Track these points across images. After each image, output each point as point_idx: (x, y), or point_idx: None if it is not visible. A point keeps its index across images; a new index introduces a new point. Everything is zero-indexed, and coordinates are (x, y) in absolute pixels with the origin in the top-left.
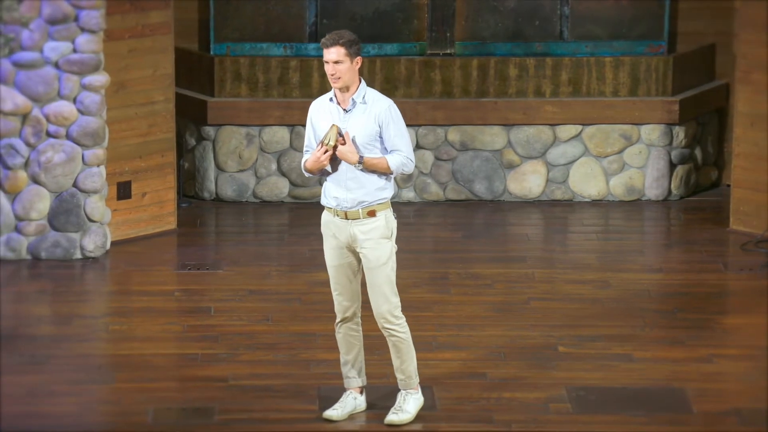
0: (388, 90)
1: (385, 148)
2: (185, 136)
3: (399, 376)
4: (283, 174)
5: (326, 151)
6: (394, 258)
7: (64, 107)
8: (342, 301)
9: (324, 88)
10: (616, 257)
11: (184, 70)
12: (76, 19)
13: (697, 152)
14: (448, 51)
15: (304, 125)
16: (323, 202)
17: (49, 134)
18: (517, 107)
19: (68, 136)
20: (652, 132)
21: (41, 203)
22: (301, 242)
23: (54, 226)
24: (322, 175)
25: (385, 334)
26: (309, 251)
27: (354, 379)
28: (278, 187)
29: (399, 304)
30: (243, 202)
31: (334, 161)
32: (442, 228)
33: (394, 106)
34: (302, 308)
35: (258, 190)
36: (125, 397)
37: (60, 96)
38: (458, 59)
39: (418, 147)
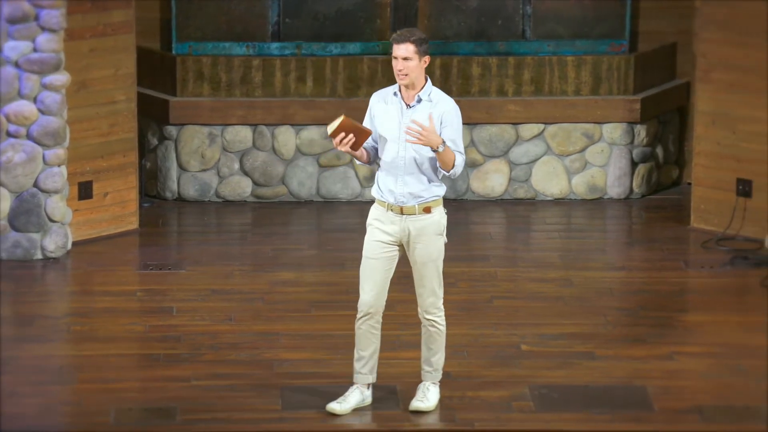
0: (351, 89)
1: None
2: (147, 135)
3: (426, 368)
4: (246, 173)
5: (337, 138)
6: (443, 252)
7: (24, 107)
8: (371, 298)
9: (287, 87)
10: (579, 256)
11: (146, 70)
12: (37, 18)
13: (659, 151)
14: None
15: (266, 124)
16: (376, 195)
17: (9, 134)
18: (480, 106)
19: (29, 136)
20: (613, 131)
21: (1, 203)
22: (264, 242)
23: (14, 226)
24: (369, 163)
25: (426, 324)
26: (272, 251)
27: (365, 375)
28: (241, 187)
29: (442, 296)
30: (205, 202)
31: (395, 150)
32: None
33: (458, 108)
34: (265, 308)
35: (220, 190)
36: (87, 398)
37: (20, 95)
38: None
39: None
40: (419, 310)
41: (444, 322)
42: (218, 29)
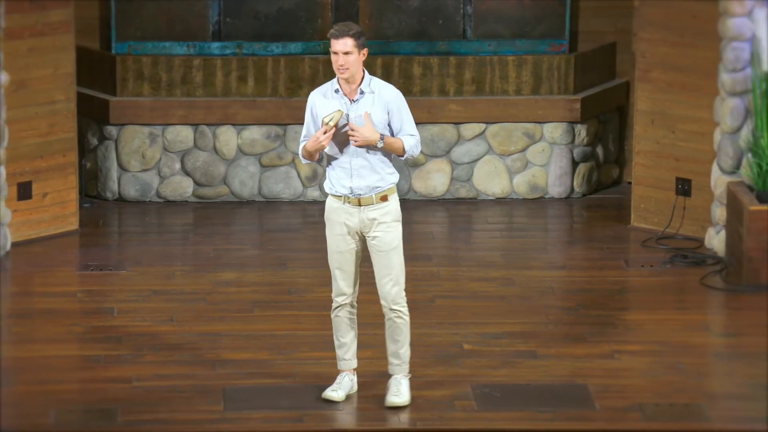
0: (292, 89)
1: (391, 136)
2: (87, 135)
3: (394, 361)
4: (187, 173)
5: (326, 132)
6: (401, 240)
7: None
8: (344, 287)
9: (228, 86)
10: (520, 255)
11: (86, 69)
12: None
13: (599, 150)
14: None
15: (207, 124)
16: (330, 190)
17: None
18: (422, 106)
19: None
20: (554, 130)
21: None
22: (205, 242)
23: None
24: (319, 161)
25: (391, 315)
26: (214, 251)
27: (350, 361)
28: (182, 187)
29: (404, 285)
30: (146, 202)
31: (342, 145)
32: None
33: (400, 93)
34: (207, 308)
35: (161, 190)
36: (27, 400)
37: None
38: None
39: None
40: (383, 302)
41: (408, 312)
42: (158, 29)
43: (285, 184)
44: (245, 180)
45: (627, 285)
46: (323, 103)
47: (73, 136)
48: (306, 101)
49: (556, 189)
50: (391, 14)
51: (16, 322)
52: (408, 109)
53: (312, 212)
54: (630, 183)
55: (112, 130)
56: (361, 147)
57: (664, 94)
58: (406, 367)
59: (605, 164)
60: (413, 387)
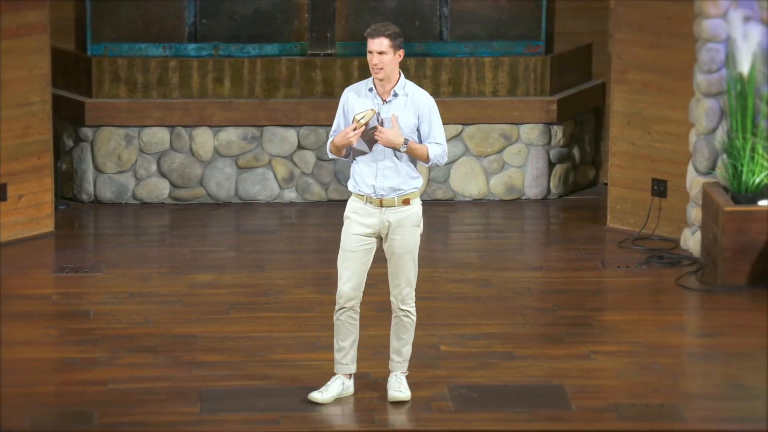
0: (269, 90)
1: (419, 141)
2: (63, 137)
3: (396, 358)
4: (164, 175)
5: (356, 128)
6: (419, 243)
7: None
8: (349, 289)
9: (204, 88)
10: (497, 256)
11: (61, 71)
12: None
13: (575, 151)
14: (329, 51)
15: (183, 126)
16: (354, 189)
17: None
18: None
19: None
20: (530, 131)
21: None
22: (181, 243)
23: None
24: (346, 156)
25: (399, 314)
26: (190, 253)
27: (347, 365)
28: (158, 189)
29: (415, 287)
30: (122, 204)
31: (370, 144)
32: (324, 228)
33: (433, 100)
34: (183, 310)
35: (138, 192)
36: (3, 402)
37: None
38: (339, 59)
39: (299, 147)
40: (393, 300)
41: (415, 313)
42: (134, 30)
43: (261, 186)
44: (222, 182)
45: (603, 286)
46: (356, 101)
47: (48, 137)
48: (282, 102)
49: (532, 190)
50: (368, 16)
51: None
52: (439, 118)
53: (288, 214)
54: (606, 184)
55: (87, 132)
56: (386, 147)
57: (640, 96)
58: (406, 365)
59: (581, 165)
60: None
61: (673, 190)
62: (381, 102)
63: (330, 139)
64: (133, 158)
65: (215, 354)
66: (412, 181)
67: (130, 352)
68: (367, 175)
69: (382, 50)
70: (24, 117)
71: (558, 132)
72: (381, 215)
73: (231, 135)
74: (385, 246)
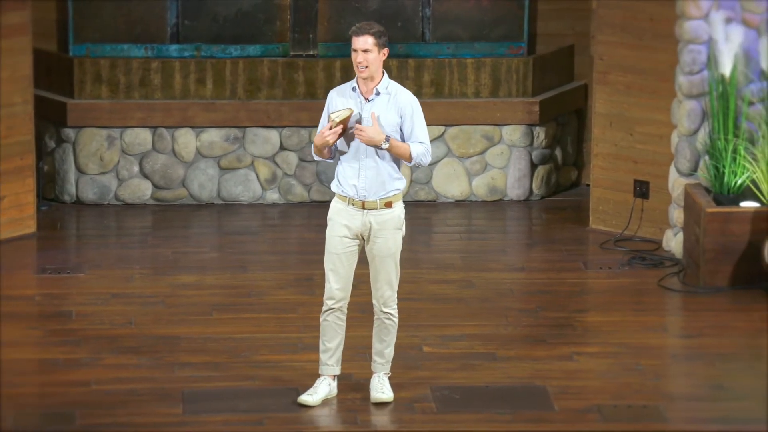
0: (251, 91)
1: (402, 141)
2: (45, 138)
3: (378, 359)
4: (146, 176)
5: (331, 127)
6: (401, 246)
7: None
8: (336, 290)
9: (186, 89)
10: (480, 257)
11: (43, 72)
12: None
13: (558, 152)
14: (311, 52)
15: (166, 127)
16: (337, 190)
17: None
18: None
19: None
20: (513, 132)
21: None
22: (164, 244)
23: None
24: (330, 158)
25: (381, 317)
26: (172, 253)
27: (332, 366)
28: (141, 190)
29: (397, 289)
30: (105, 205)
31: (353, 145)
32: (306, 229)
33: (416, 99)
34: (166, 311)
35: (120, 193)
36: None
37: None
38: (321, 60)
39: (282, 148)
40: (375, 303)
41: (397, 316)
42: (116, 31)
43: (244, 187)
44: (204, 183)
45: (585, 287)
46: (339, 101)
47: (30, 138)
48: (264, 103)
49: (514, 191)
50: (350, 17)
51: None
52: (422, 117)
53: (271, 215)
54: (588, 185)
55: (69, 133)
56: (368, 146)
57: (622, 97)
58: (389, 366)
59: (564, 166)
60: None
61: (656, 192)
62: (363, 101)
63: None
64: (116, 159)
65: (198, 355)
66: (395, 182)
67: (112, 353)
68: (350, 175)
69: (366, 48)
70: (6, 118)
71: (540, 133)
72: (363, 217)
73: (213, 136)
74: (366, 249)
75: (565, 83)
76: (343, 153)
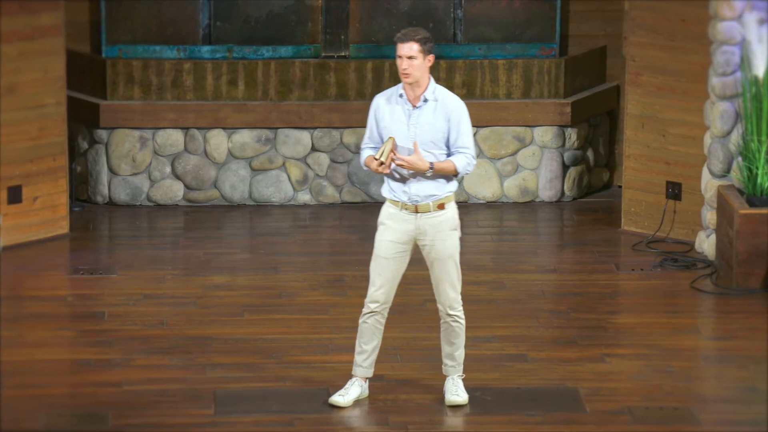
0: (282, 92)
1: (447, 147)
2: (77, 139)
3: (449, 362)
4: (178, 177)
5: (381, 164)
6: (459, 247)
7: None
8: (380, 294)
9: (218, 90)
10: (511, 258)
11: (76, 73)
12: None
13: (589, 154)
14: (343, 53)
15: (198, 128)
16: (389, 195)
17: None
18: None
19: None
20: (544, 134)
21: None
22: (196, 245)
23: None
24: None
25: (448, 320)
26: (204, 254)
27: (366, 369)
28: (173, 191)
29: (460, 290)
30: (137, 206)
31: (403, 152)
32: (338, 230)
33: (464, 105)
34: (197, 312)
35: (152, 194)
36: (17, 404)
37: None
38: (353, 62)
39: (313, 150)
40: (440, 307)
41: (464, 317)
42: (149, 32)
43: (275, 188)
44: (236, 184)
45: (617, 288)
46: (386, 108)
47: (63, 139)
48: (296, 105)
49: (546, 192)
50: (382, 18)
51: (6, 326)
52: (468, 123)
53: (302, 216)
54: (620, 186)
55: (102, 134)
56: (431, 145)
57: (655, 98)
58: (461, 368)
59: (595, 168)
60: (403, 390)
61: (688, 193)
62: (411, 107)
63: (363, 150)
64: (148, 160)
65: (229, 356)
66: (447, 185)
67: (144, 354)
68: (401, 182)
69: (411, 55)
70: (39, 119)
71: (572, 134)
72: (416, 221)
73: (245, 137)
74: (424, 253)
75: (597, 84)
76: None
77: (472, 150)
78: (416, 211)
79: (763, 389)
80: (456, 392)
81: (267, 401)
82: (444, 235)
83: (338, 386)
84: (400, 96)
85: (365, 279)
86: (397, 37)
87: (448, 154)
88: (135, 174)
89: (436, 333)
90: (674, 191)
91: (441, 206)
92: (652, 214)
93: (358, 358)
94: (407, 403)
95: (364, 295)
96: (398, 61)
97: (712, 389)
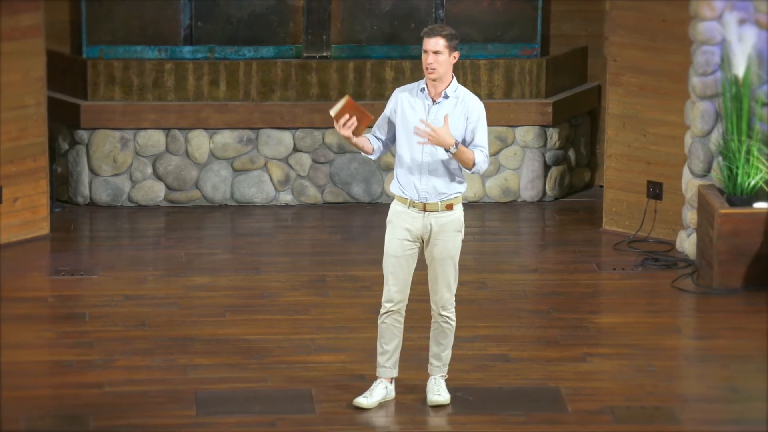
0: (264, 93)
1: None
2: (58, 140)
3: (435, 362)
4: (159, 178)
5: (338, 121)
6: (460, 249)
7: None
8: (395, 293)
9: (200, 91)
10: (493, 258)
11: (57, 73)
12: None
13: (571, 154)
14: (324, 54)
15: (179, 128)
16: (397, 192)
17: None
18: None
19: None
20: (526, 134)
21: None
22: (177, 246)
23: None
24: (371, 154)
25: (439, 320)
26: (186, 255)
27: (390, 369)
28: (154, 191)
29: (455, 293)
30: (118, 207)
31: (416, 145)
32: (320, 230)
33: (483, 106)
34: (179, 313)
35: (133, 194)
36: None
37: None
38: (334, 62)
39: (295, 150)
40: (433, 306)
41: (455, 319)
42: (129, 33)
43: (257, 188)
44: (217, 184)
45: (599, 288)
46: (408, 101)
47: (43, 140)
48: (278, 105)
49: (528, 192)
50: (363, 18)
51: None
52: (486, 124)
53: (284, 216)
54: (602, 186)
55: (83, 135)
56: (434, 145)
57: (636, 98)
58: (445, 369)
59: (577, 168)
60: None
61: (669, 193)
62: (431, 103)
63: (368, 137)
64: (129, 161)
65: (211, 356)
66: (457, 185)
67: (125, 355)
68: (411, 177)
69: (437, 50)
70: (19, 120)
71: (554, 134)
72: (424, 219)
73: (226, 137)
74: (425, 251)
75: (578, 84)
76: (402, 154)
77: (487, 151)
78: (424, 210)
79: (745, 388)
80: (438, 392)
81: (249, 402)
82: (448, 236)
83: (320, 386)
84: (422, 90)
85: (348, 279)
86: (423, 32)
87: None
88: (116, 175)
89: (417, 333)
90: (655, 191)
91: (449, 206)
92: (633, 213)
93: (380, 359)
94: (389, 403)
95: (347, 295)
96: (424, 56)
97: (693, 388)
